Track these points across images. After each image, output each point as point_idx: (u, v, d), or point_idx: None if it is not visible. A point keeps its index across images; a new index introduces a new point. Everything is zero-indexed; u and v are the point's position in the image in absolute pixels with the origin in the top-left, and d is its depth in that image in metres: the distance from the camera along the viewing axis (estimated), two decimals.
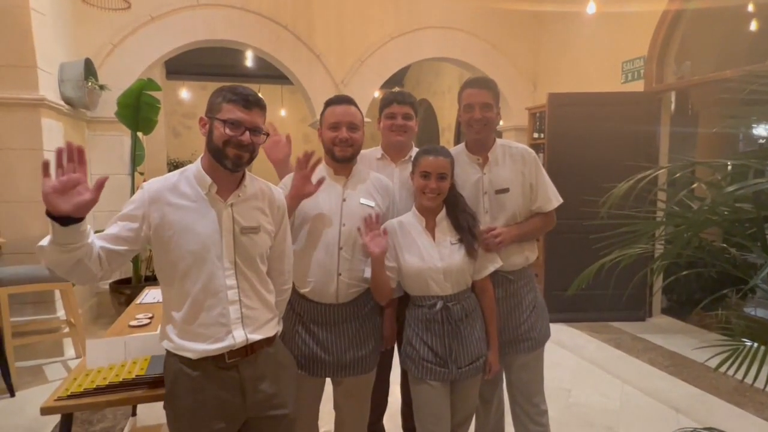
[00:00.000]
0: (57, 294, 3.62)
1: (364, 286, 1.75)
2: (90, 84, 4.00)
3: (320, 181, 1.67)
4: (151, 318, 2.22)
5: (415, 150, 2.01)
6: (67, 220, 1.11)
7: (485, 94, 1.81)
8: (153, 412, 2.61)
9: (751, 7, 4.20)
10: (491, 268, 1.77)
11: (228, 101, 1.32)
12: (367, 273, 1.71)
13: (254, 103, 1.33)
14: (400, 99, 1.98)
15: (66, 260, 1.17)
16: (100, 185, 1.13)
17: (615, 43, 4.65)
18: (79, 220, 1.13)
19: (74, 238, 1.14)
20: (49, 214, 1.11)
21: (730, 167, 1.42)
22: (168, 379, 1.38)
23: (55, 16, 3.87)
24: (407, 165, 1.97)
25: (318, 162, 1.67)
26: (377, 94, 5.54)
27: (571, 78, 5.19)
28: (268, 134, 1.41)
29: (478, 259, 1.73)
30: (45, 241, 1.16)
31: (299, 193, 1.65)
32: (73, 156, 1.11)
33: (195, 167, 1.38)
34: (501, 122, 5.65)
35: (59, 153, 1.09)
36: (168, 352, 1.37)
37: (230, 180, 1.38)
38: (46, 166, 1.08)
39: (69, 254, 1.16)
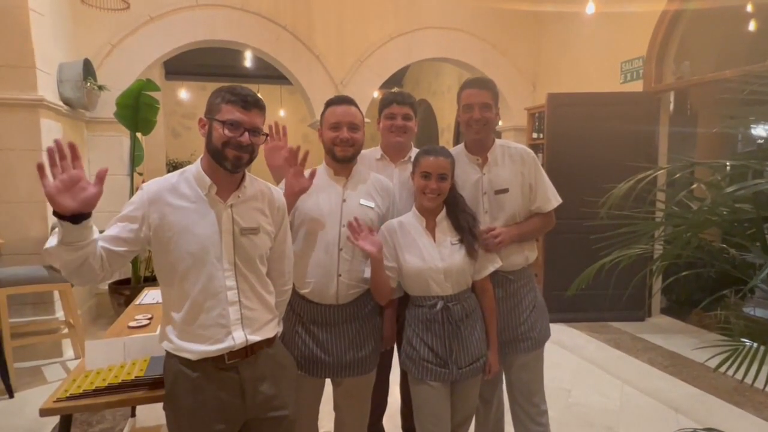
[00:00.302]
0: (56, 295, 3.61)
1: (364, 286, 1.75)
2: (89, 84, 3.99)
3: (313, 174, 1.66)
4: (150, 319, 2.22)
5: (414, 150, 2.01)
6: (76, 217, 1.12)
7: (484, 94, 1.81)
8: (152, 413, 2.61)
9: (750, 8, 4.21)
10: (491, 268, 1.77)
11: (227, 102, 1.31)
12: (367, 273, 1.71)
13: (253, 104, 1.33)
14: (400, 99, 1.98)
15: (73, 260, 1.18)
16: (101, 177, 1.14)
17: (614, 43, 4.66)
18: (88, 215, 1.14)
19: (83, 235, 1.15)
20: (57, 214, 1.11)
21: (729, 168, 1.42)
22: (168, 380, 1.37)
23: (53, 17, 3.87)
24: (407, 165, 1.96)
25: (306, 155, 1.67)
26: (377, 94, 5.54)
27: (570, 78, 5.20)
28: (267, 135, 1.41)
29: (478, 260, 1.73)
30: (51, 243, 1.16)
31: (294, 190, 1.64)
32: (65, 153, 1.11)
33: (195, 168, 1.38)
34: (500, 122, 5.65)
35: (50, 152, 1.10)
36: (168, 353, 1.37)
37: (230, 181, 1.37)
38: (40, 168, 1.09)
39: (76, 253, 1.16)
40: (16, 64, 3.43)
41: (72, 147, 1.13)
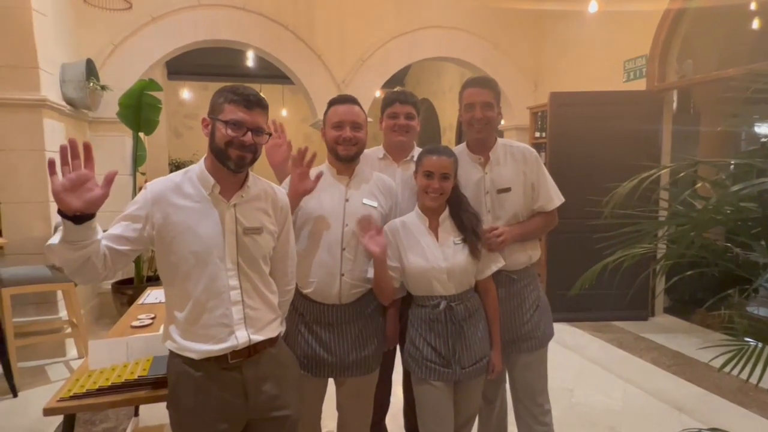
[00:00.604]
0: (59, 294, 3.62)
1: (367, 286, 1.75)
2: (91, 84, 4.00)
3: (318, 177, 1.66)
4: (153, 318, 2.22)
5: (417, 150, 2.01)
6: (80, 218, 1.12)
7: (486, 93, 1.80)
8: (155, 413, 2.61)
9: (753, 6, 4.19)
10: (494, 268, 1.76)
11: (229, 102, 1.31)
12: (370, 273, 1.71)
13: (256, 103, 1.33)
14: (403, 99, 1.98)
15: (76, 258, 1.18)
16: (109, 180, 1.14)
17: (617, 42, 4.64)
18: (91, 216, 1.14)
19: (85, 235, 1.16)
20: (61, 212, 1.11)
21: (733, 167, 1.41)
22: (171, 380, 1.38)
23: (56, 17, 3.88)
24: (409, 165, 1.96)
25: (313, 157, 1.67)
26: (378, 93, 5.53)
27: (572, 77, 5.18)
28: (270, 134, 1.41)
29: (481, 259, 1.72)
30: (54, 240, 1.16)
31: (298, 191, 1.64)
32: (77, 152, 1.11)
33: (198, 167, 1.38)
34: (502, 122, 5.64)
35: (63, 150, 1.10)
36: (171, 352, 1.37)
37: (233, 180, 1.37)
38: (51, 164, 1.09)
39: (79, 252, 1.17)
40: (19, 64, 3.44)
41: (87, 147, 1.13)
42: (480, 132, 1.83)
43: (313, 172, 1.67)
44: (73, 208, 1.11)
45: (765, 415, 2.75)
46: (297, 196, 1.65)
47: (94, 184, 1.13)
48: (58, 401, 1.47)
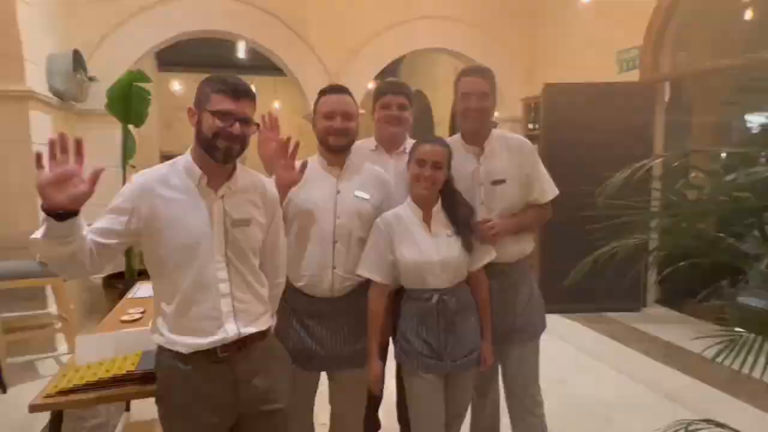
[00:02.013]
0: (49, 289, 3.58)
1: (359, 279, 1.73)
2: (79, 76, 3.93)
3: (303, 166, 1.63)
4: (142, 313, 2.19)
5: (410, 141, 1.98)
6: (63, 214, 1.09)
7: (483, 82, 1.78)
8: (147, 408, 2.57)
9: None
10: (486, 260, 1.75)
11: (216, 92, 1.28)
12: None
13: (243, 93, 1.30)
14: (395, 89, 1.95)
15: (60, 254, 1.15)
16: (95, 177, 1.11)
17: (610, 32, 4.62)
18: (75, 213, 1.11)
19: (69, 231, 1.13)
20: (44, 208, 1.09)
21: (725, 156, 1.41)
22: (160, 375, 1.36)
23: (42, 7, 3.79)
24: (402, 157, 1.93)
25: (296, 147, 1.63)
26: (371, 85, 5.49)
27: (566, 68, 5.16)
28: (258, 124, 1.39)
29: (474, 251, 1.71)
30: (38, 234, 1.14)
31: (284, 182, 1.60)
32: (66, 147, 1.08)
33: (185, 159, 1.36)
34: (496, 113, 5.62)
35: (51, 144, 1.07)
36: (159, 347, 1.35)
37: (221, 172, 1.35)
38: (39, 158, 1.07)
39: (63, 248, 1.14)
40: (3, 55, 3.36)
41: (78, 143, 1.10)
42: (475, 122, 1.81)
43: (298, 163, 1.63)
44: (56, 204, 1.08)
45: (756, 404, 2.77)
46: (284, 187, 1.61)
47: (80, 180, 1.10)
48: (43, 398, 1.45)
